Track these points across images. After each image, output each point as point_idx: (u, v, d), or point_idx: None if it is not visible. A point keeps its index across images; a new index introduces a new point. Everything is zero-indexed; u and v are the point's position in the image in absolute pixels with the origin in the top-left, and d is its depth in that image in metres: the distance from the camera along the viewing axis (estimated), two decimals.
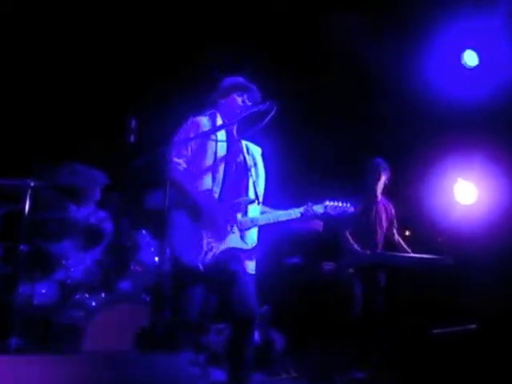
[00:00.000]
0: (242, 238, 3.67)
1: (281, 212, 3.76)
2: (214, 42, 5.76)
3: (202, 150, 3.71)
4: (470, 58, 6.56)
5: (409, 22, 6.35)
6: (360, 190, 5.52)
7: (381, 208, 5.53)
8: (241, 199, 3.75)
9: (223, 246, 3.59)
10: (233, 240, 3.63)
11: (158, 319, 3.65)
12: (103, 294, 4.62)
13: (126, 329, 4.36)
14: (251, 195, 3.79)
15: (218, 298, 4.35)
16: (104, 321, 4.44)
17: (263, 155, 4.02)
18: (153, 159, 3.48)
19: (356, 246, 5.32)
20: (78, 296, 4.66)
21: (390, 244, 5.52)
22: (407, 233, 5.92)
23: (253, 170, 3.87)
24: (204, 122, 3.78)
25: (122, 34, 5.88)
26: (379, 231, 5.48)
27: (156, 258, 5.02)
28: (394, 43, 6.36)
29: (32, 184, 4.36)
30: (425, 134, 6.41)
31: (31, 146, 5.49)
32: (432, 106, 6.33)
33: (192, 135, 3.70)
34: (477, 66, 6.54)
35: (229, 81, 3.94)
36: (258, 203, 3.81)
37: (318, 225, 5.61)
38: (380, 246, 5.46)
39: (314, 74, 6.38)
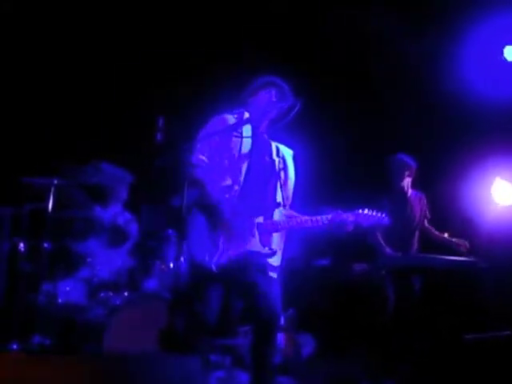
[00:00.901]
0: (263, 242, 3.54)
1: (307, 218, 3.60)
2: (243, 42, 5.69)
3: (225, 147, 3.62)
4: (511, 54, 6.32)
5: (447, 19, 6.16)
6: (387, 189, 5.34)
7: (414, 202, 5.34)
8: (266, 202, 3.64)
9: (241, 249, 3.48)
10: (252, 243, 3.50)
11: (176, 320, 3.58)
12: (126, 293, 4.58)
13: (150, 328, 4.30)
14: (278, 198, 3.67)
15: (240, 300, 4.25)
16: (127, 319, 4.41)
17: (295, 158, 3.89)
18: (176, 158, 3.41)
19: (388, 249, 5.14)
20: (102, 294, 4.65)
21: (426, 236, 5.31)
22: (446, 234, 5.71)
23: (282, 172, 3.75)
24: (231, 119, 3.68)
25: (149, 35, 5.88)
26: (414, 228, 5.28)
27: (182, 259, 4.97)
28: (432, 40, 6.18)
29: (56, 182, 4.36)
30: (463, 132, 6.18)
31: (57, 145, 5.51)
32: (471, 104, 6.11)
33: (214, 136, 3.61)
34: None
35: (259, 79, 3.84)
36: (285, 207, 3.69)
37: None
38: (416, 244, 5.26)
39: (346, 73, 6.24)
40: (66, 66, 5.71)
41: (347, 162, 6.27)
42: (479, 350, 4.19)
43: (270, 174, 3.71)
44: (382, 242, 5.16)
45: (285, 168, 3.78)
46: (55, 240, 4.56)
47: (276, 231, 3.60)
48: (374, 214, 3.55)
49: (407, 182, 5.32)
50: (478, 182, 6.00)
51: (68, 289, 4.61)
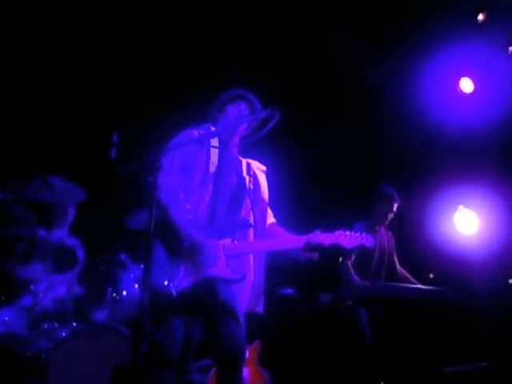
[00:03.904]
0: (231, 265, 3.22)
1: (281, 240, 3.36)
2: (209, 56, 5.47)
3: (192, 165, 3.37)
4: (466, 85, 6.39)
5: (405, 51, 6.18)
6: (367, 217, 5.14)
7: (382, 237, 5.17)
8: (235, 222, 3.35)
9: (205, 274, 3.16)
10: (217, 267, 3.18)
11: (138, 354, 3.14)
12: (74, 324, 4.10)
13: (101, 364, 3.85)
14: (250, 219, 3.44)
15: (202, 332, 3.85)
16: (75, 354, 3.92)
17: (267, 174, 3.68)
18: (139, 168, 3.06)
19: (356, 278, 4.91)
20: (46, 325, 4.15)
21: (393, 276, 5.13)
22: (431, 275, 5.57)
23: (252, 192, 3.48)
24: (196, 134, 3.43)
25: (105, 47, 5.56)
26: (382, 262, 5.10)
27: (136, 286, 4.54)
28: (394, 69, 6.16)
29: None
30: (426, 161, 6.15)
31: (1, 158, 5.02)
32: (432, 133, 6.14)
33: (181, 151, 3.36)
34: (473, 92, 6.35)
35: (224, 93, 3.65)
36: (254, 228, 3.42)
37: (314, 254, 5.19)
38: (383, 277, 5.06)
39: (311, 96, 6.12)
40: (13, 75, 5.29)
41: (318, 183, 6.09)
42: (458, 382, 4.01)
43: (238, 193, 3.47)
44: (352, 270, 4.93)
45: (256, 186, 3.52)
46: None
47: (244, 253, 3.33)
48: (358, 235, 3.26)
49: (390, 216, 5.18)
50: (442, 208, 5.94)
51: (7, 318, 4.08)
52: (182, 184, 3.31)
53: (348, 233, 3.24)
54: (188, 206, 3.26)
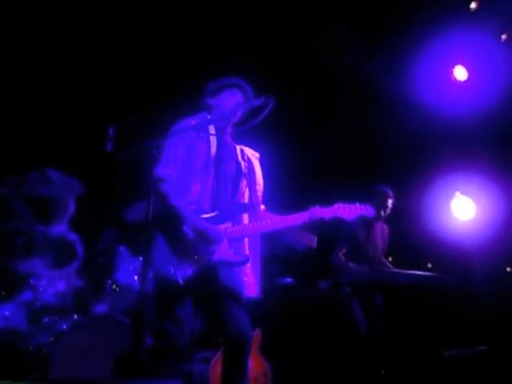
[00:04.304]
0: (233, 248, 3.24)
1: (281, 218, 3.33)
2: (208, 53, 5.47)
3: (190, 155, 3.37)
4: (460, 73, 6.41)
5: (399, 40, 6.18)
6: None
7: (377, 231, 5.20)
8: (234, 206, 3.36)
9: (209, 259, 3.17)
10: (221, 252, 3.20)
11: (140, 344, 3.15)
12: (76, 316, 4.12)
13: (103, 355, 3.87)
14: (246, 202, 3.44)
15: (207, 320, 3.85)
16: (76, 346, 3.93)
17: (260, 161, 3.67)
18: (138, 154, 3.08)
19: (351, 264, 4.93)
20: (46, 319, 4.16)
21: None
22: (429, 265, 5.59)
23: (247, 176, 3.50)
24: (191, 124, 3.42)
25: (101, 44, 5.56)
26: (375, 254, 5.12)
27: (136, 277, 4.56)
28: (388, 58, 6.17)
29: None
30: (421, 149, 6.16)
31: None
32: (428, 121, 6.13)
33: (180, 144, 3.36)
34: (466, 80, 6.37)
35: (217, 81, 3.61)
36: (254, 210, 3.42)
37: (312, 241, 5.18)
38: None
39: (303, 87, 6.12)
40: (11, 70, 5.29)
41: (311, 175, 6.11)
42: (458, 365, 4.03)
43: (236, 177, 3.47)
44: (344, 259, 4.96)
45: (251, 171, 3.55)
46: None
47: (247, 235, 3.33)
48: (357, 206, 3.27)
49: (385, 213, 5.18)
50: (439, 197, 5.95)
51: (7, 313, 4.10)
52: (184, 171, 3.31)
53: (347, 205, 3.26)
54: (190, 196, 3.27)
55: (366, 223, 5.10)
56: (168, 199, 3.22)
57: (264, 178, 3.61)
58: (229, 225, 3.25)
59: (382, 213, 5.15)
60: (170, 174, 3.27)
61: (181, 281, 3.08)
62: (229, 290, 3.23)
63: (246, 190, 3.47)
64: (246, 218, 3.41)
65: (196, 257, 3.15)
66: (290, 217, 3.29)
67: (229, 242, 3.22)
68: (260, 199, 3.55)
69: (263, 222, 3.31)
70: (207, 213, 3.26)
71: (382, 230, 5.26)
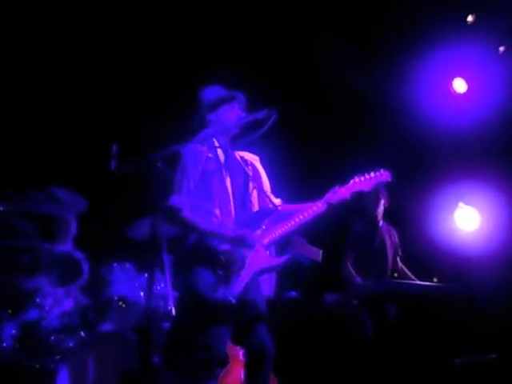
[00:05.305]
0: (269, 253, 3.29)
1: (303, 211, 3.31)
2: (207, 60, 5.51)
3: (205, 180, 3.36)
4: (460, 86, 6.46)
5: (398, 53, 6.24)
6: (359, 215, 5.16)
7: (384, 234, 5.16)
8: (258, 213, 3.39)
9: (252, 270, 3.18)
10: (261, 259, 3.21)
11: (147, 361, 3.13)
12: (82, 333, 4.09)
13: (110, 371, 3.84)
14: (262, 206, 3.46)
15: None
16: (83, 363, 3.91)
17: (261, 163, 3.69)
18: (141, 168, 3.08)
19: (358, 279, 4.91)
20: (53, 337, 4.13)
21: (394, 272, 5.12)
22: (435, 279, 5.57)
23: (255, 181, 3.52)
24: (201, 148, 3.43)
25: (105, 59, 5.62)
26: (384, 259, 5.08)
27: (141, 293, 4.54)
28: (386, 71, 6.22)
29: (1, 208, 3.88)
30: (425, 160, 6.19)
31: (3, 171, 5.02)
32: (428, 133, 6.16)
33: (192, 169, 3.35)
34: (466, 92, 6.42)
35: (211, 94, 3.60)
36: (276, 212, 3.42)
37: (317, 255, 5.17)
38: (387, 274, 5.05)
39: (303, 99, 6.16)
40: (11, 87, 5.32)
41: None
42: (469, 373, 4.00)
43: (246, 186, 3.48)
44: (353, 271, 4.94)
45: (256, 174, 3.57)
46: None
47: (279, 236, 3.31)
48: (372, 175, 3.33)
49: (381, 211, 5.15)
50: (442, 208, 5.96)
51: (14, 332, 4.06)
52: (199, 195, 3.30)
53: (362, 177, 3.32)
54: (212, 215, 3.27)
55: (370, 228, 5.07)
56: (195, 226, 3.21)
57: (269, 178, 3.61)
58: (259, 232, 3.25)
59: (377, 212, 5.12)
60: (184, 201, 3.26)
61: (233, 301, 3.07)
62: (256, 307, 3.24)
63: (254, 192, 3.48)
64: (271, 221, 3.38)
65: (238, 272, 3.15)
66: (312, 206, 3.29)
67: (264, 249, 3.24)
68: (269, 200, 3.53)
69: (290, 220, 3.29)
70: (235, 228, 3.25)
71: (389, 233, 5.24)
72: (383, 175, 3.34)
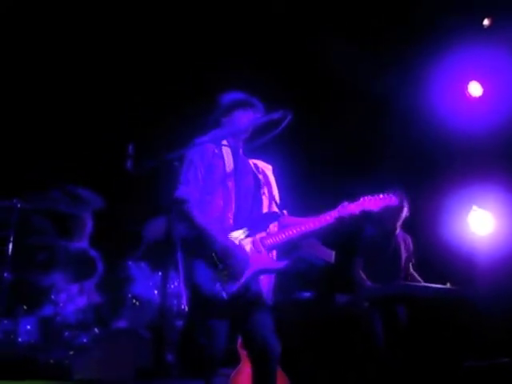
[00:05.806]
0: (270, 255, 3.27)
1: (311, 220, 3.32)
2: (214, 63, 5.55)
3: (209, 172, 3.37)
4: (475, 89, 6.45)
5: (413, 57, 6.24)
6: (376, 221, 5.14)
7: (399, 242, 5.16)
8: (265, 216, 3.40)
9: (250, 270, 3.17)
10: (262, 260, 3.20)
11: (160, 358, 3.18)
12: (96, 330, 4.14)
13: (123, 368, 3.88)
14: (269, 211, 3.45)
15: (234, 331, 3.82)
16: (97, 359, 3.96)
17: (274, 172, 3.69)
18: (158, 166, 3.12)
19: (368, 283, 4.91)
20: (67, 333, 4.20)
21: (406, 279, 5.12)
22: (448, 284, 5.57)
23: (265, 188, 3.53)
24: (209, 147, 3.44)
25: (118, 59, 5.67)
26: (397, 266, 5.08)
27: (155, 292, 4.58)
28: (401, 74, 6.22)
29: (19, 206, 3.94)
30: (439, 163, 6.17)
31: (20, 168, 5.09)
32: (443, 136, 6.14)
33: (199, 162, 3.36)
34: (481, 96, 6.41)
35: (229, 97, 3.63)
36: (282, 218, 3.44)
37: (330, 256, 5.17)
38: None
39: (316, 102, 6.19)
40: (31, 87, 5.40)
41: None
42: (479, 377, 3.98)
43: (256, 190, 3.48)
44: (363, 275, 4.94)
45: (267, 182, 3.57)
46: (16, 272, 4.08)
47: (282, 241, 3.29)
48: (381, 196, 3.36)
49: (401, 219, 5.13)
50: (455, 211, 5.93)
51: (29, 327, 4.13)
52: (204, 188, 3.31)
53: (372, 197, 3.35)
54: (216, 213, 3.28)
55: (386, 234, 5.08)
56: (195, 220, 3.21)
57: (279, 188, 3.62)
58: (263, 234, 3.27)
59: (399, 221, 5.13)
60: (191, 192, 3.27)
61: (225, 296, 3.07)
62: (257, 298, 3.21)
63: (265, 200, 3.48)
64: (275, 226, 3.40)
65: (236, 271, 3.15)
66: (321, 217, 3.31)
67: (267, 250, 3.24)
68: (279, 208, 3.58)
69: (297, 227, 3.30)
70: (231, 228, 3.27)
71: (404, 240, 5.23)
72: (392, 199, 3.37)
